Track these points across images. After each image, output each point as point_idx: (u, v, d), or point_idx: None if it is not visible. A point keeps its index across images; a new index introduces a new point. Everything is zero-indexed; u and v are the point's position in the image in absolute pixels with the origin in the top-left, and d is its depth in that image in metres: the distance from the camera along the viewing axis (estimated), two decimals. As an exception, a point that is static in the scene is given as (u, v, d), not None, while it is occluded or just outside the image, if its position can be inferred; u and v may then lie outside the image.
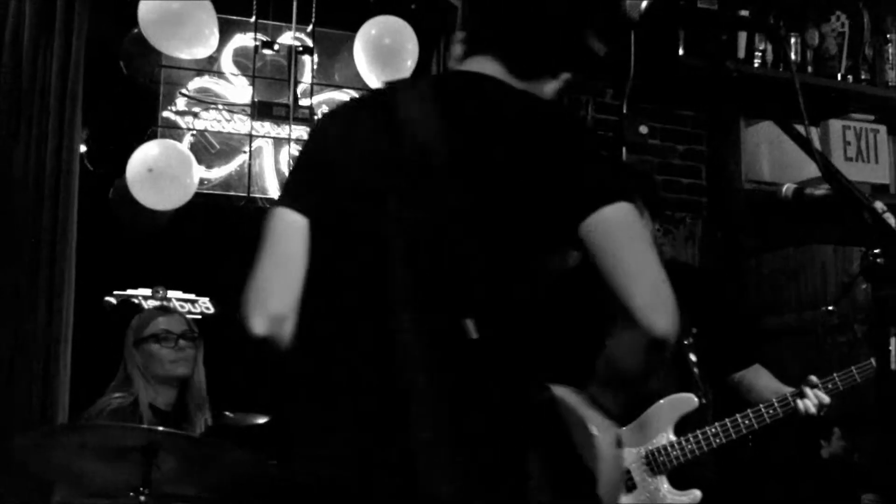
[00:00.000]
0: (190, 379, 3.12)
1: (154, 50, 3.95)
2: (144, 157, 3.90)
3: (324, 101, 4.59)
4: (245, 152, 4.45)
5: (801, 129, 1.78)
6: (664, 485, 2.77)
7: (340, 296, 1.60)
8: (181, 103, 4.43)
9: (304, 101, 4.41)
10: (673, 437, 2.78)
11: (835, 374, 2.77)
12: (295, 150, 4.32)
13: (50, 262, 3.57)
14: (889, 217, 1.70)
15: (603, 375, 1.63)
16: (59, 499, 2.85)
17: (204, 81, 4.48)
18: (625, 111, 4.17)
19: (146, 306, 4.73)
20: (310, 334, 1.61)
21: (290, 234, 1.61)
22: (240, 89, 4.48)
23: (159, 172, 3.86)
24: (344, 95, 4.54)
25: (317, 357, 1.62)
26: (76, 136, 3.65)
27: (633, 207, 1.57)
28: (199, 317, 4.77)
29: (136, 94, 4.27)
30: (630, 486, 2.78)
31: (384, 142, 1.60)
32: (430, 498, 1.44)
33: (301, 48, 4.36)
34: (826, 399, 2.75)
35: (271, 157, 4.53)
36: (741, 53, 4.40)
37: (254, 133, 4.41)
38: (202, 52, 4.03)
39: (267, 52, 4.31)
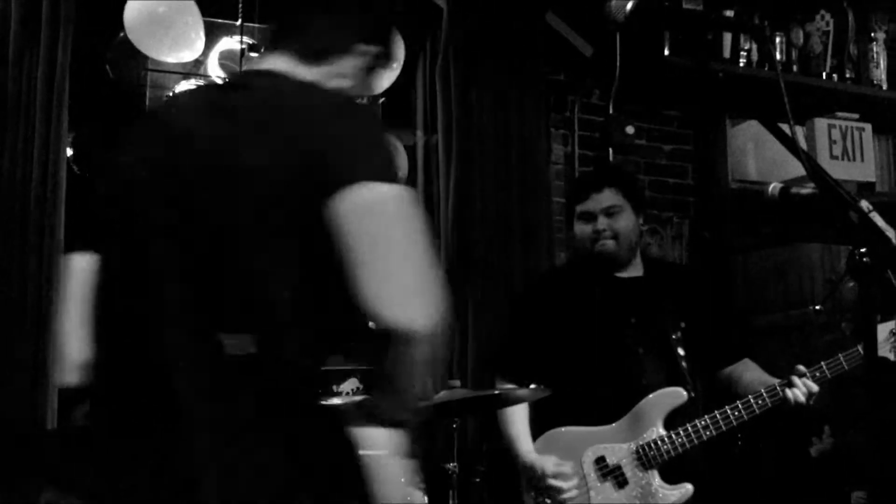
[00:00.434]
0: None
1: (140, 53, 3.94)
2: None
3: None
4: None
5: (786, 128, 1.78)
6: (656, 479, 2.78)
7: (114, 320, 1.58)
8: (168, 107, 4.40)
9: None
10: (663, 432, 2.79)
11: (822, 363, 2.77)
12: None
13: (37, 270, 3.54)
14: (875, 216, 1.70)
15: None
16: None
17: (190, 85, 4.46)
18: (611, 112, 4.17)
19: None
20: (95, 360, 1.59)
21: (76, 279, 1.63)
22: (226, 93, 4.47)
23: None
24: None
25: (100, 379, 1.59)
26: (62, 145, 3.63)
27: (391, 190, 1.47)
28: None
29: (122, 97, 4.26)
30: (622, 482, 2.78)
31: (147, 160, 1.58)
32: None
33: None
34: (815, 387, 2.74)
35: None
36: (726, 53, 4.42)
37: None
38: (188, 55, 4.01)
39: (253, 55, 4.29)
